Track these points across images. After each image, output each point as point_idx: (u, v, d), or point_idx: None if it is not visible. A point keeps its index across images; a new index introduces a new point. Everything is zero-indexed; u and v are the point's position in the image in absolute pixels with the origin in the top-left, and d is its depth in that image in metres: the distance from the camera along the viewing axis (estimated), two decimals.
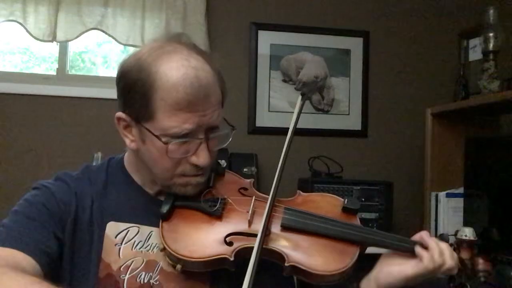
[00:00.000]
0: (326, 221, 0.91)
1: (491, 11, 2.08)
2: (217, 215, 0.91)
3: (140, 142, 0.91)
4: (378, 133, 2.70)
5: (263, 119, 2.57)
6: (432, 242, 0.90)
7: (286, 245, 0.88)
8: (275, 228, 0.89)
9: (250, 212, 0.90)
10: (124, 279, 0.88)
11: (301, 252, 0.87)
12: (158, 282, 0.89)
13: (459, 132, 2.29)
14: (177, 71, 0.85)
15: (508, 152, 1.93)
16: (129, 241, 0.92)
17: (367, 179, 2.35)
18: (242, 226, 0.90)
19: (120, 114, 0.92)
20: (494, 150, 2.03)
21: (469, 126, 2.30)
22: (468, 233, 2.01)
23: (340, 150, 2.60)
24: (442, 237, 0.95)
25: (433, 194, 2.24)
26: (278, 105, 2.59)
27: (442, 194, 2.19)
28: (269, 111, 2.58)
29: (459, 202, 2.11)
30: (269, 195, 0.90)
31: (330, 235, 0.89)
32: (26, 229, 0.85)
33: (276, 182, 0.90)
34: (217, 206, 0.91)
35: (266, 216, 0.85)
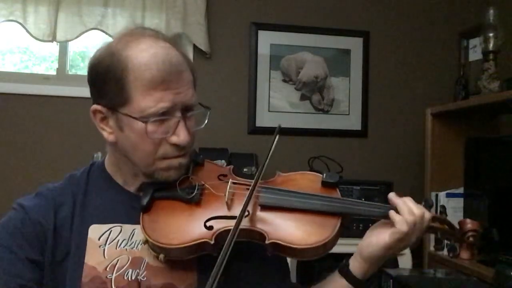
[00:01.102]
0: (304, 196, 0.91)
1: (491, 11, 2.08)
2: (195, 202, 0.92)
3: (118, 131, 0.92)
4: (378, 133, 2.70)
5: (263, 119, 2.57)
6: (399, 201, 0.90)
7: (265, 223, 0.88)
8: (255, 209, 0.90)
9: (227, 195, 0.91)
10: (111, 278, 0.89)
11: (281, 229, 0.87)
12: (145, 278, 0.89)
13: (459, 132, 2.29)
14: (147, 52, 0.88)
15: (508, 152, 1.93)
16: (112, 240, 0.92)
17: (367, 179, 2.35)
18: (221, 210, 0.90)
19: (95, 106, 0.93)
20: (494, 150, 2.03)
21: (469, 126, 2.30)
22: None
23: (340, 150, 2.61)
24: (426, 201, 0.95)
25: (433, 194, 2.24)
26: (278, 105, 2.59)
27: (442, 194, 2.19)
28: (269, 111, 2.58)
29: (459, 202, 2.11)
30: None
31: (309, 210, 0.89)
32: None
33: (261, 166, 0.91)
34: (194, 193, 0.92)
35: (248, 196, 0.85)
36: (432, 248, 2.26)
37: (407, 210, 0.88)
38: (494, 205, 1.93)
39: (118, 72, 0.87)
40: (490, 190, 1.99)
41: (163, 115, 0.88)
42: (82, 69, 2.67)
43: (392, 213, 0.89)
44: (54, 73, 2.53)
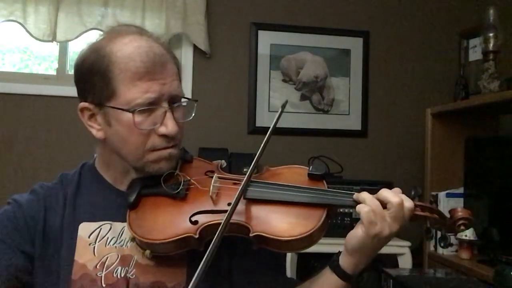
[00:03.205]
0: (288, 189, 0.91)
1: (491, 11, 2.08)
2: (181, 197, 0.92)
3: (107, 127, 0.92)
4: (378, 133, 2.70)
5: (263, 119, 2.57)
6: (363, 193, 0.88)
7: (250, 217, 0.88)
8: (240, 203, 0.88)
9: (211, 189, 0.91)
10: (101, 276, 0.89)
11: (266, 221, 0.87)
12: (134, 276, 0.90)
13: (459, 132, 2.29)
14: (130, 45, 0.90)
15: (508, 152, 1.93)
16: (102, 238, 0.93)
17: (367, 179, 2.35)
18: (207, 205, 0.91)
19: (82, 104, 0.94)
20: (494, 150, 2.03)
21: (469, 126, 2.30)
22: (468, 233, 2.01)
23: (340, 150, 2.61)
24: (416, 191, 0.93)
25: (433, 194, 2.24)
26: (278, 105, 2.59)
27: (442, 194, 2.19)
28: (269, 111, 2.58)
29: (459, 202, 2.11)
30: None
31: (293, 202, 0.89)
32: None
33: (254, 162, 0.90)
34: (180, 188, 0.92)
35: (240, 189, 0.85)
36: (432, 248, 2.27)
37: (368, 198, 0.86)
38: (494, 205, 1.93)
39: (103, 66, 0.89)
40: (490, 190, 1.99)
41: (150, 105, 0.89)
42: None
43: (358, 206, 0.87)
44: (54, 73, 2.53)
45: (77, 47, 2.62)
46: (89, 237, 0.92)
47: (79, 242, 0.92)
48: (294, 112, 2.61)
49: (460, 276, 1.85)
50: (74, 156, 2.35)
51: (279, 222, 0.87)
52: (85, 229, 0.93)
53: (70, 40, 2.42)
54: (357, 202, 0.88)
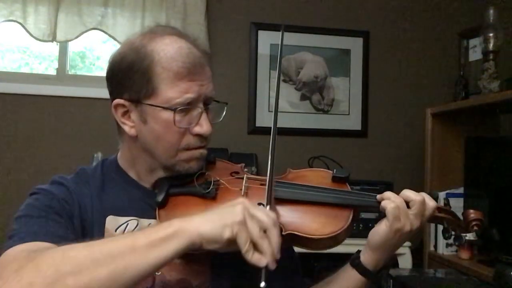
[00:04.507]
0: (317, 190, 0.95)
1: (491, 11, 2.08)
2: (211, 197, 0.93)
3: (141, 124, 0.93)
4: (378, 133, 2.70)
5: (263, 119, 2.57)
6: (387, 192, 0.94)
7: (281, 216, 0.90)
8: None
9: (243, 189, 0.94)
10: None
11: (297, 220, 0.91)
12: (160, 273, 0.90)
13: (459, 132, 2.29)
14: (172, 46, 0.92)
15: (508, 152, 1.93)
16: None
17: (367, 179, 2.35)
18: None
19: (117, 100, 0.94)
20: (494, 150, 2.03)
21: (469, 126, 2.30)
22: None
23: (340, 150, 2.61)
24: (431, 195, 0.98)
25: (443, 200, 2.23)
26: (279, 105, 2.59)
27: (442, 194, 2.19)
28: (269, 111, 2.58)
29: (459, 202, 2.11)
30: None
31: (322, 202, 0.93)
32: (40, 226, 0.84)
33: (271, 158, 0.92)
34: (210, 188, 0.93)
35: (268, 185, 0.87)
36: (432, 248, 2.27)
37: (393, 196, 0.92)
38: (494, 205, 1.93)
39: (145, 65, 0.90)
40: (490, 190, 1.99)
41: (189, 105, 0.91)
42: (82, 69, 2.67)
43: (383, 201, 0.93)
44: (54, 73, 2.53)
45: (77, 47, 2.62)
46: (115, 231, 0.92)
47: (106, 235, 0.91)
48: (294, 112, 2.61)
49: (460, 276, 1.85)
50: (74, 156, 2.35)
51: (310, 222, 0.91)
52: (112, 222, 0.93)
53: (70, 40, 2.42)
54: (381, 202, 0.93)
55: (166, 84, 0.90)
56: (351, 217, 0.92)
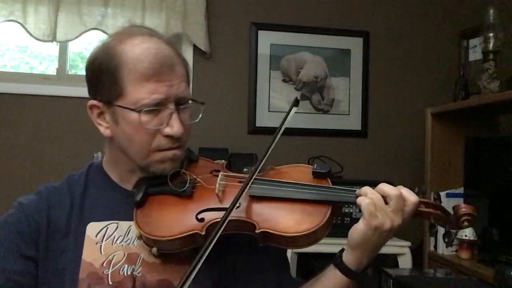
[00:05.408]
0: (294, 186, 0.91)
1: (491, 11, 2.08)
2: (187, 195, 0.93)
3: (114, 125, 0.94)
4: (378, 133, 2.70)
5: (263, 119, 2.57)
6: (365, 187, 0.88)
7: (255, 214, 0.89)
8: (245, 200, 0.90)
9: (217, 187, 0.92)
10: (108, 273, 0.90)
11: (271, 218, 0.88)
12: (141, 274, 0.90)
13: (459, 132, 2.29)
14: (140, 46, 0.91)
15: (508, 152, 1.93)
16: (109, 237, 0.93)
17: (367, 179, 2.35)
18: (213, 202, 0.91)
19: (91, 101, 0.96)
20: (494, 150, 2.03)
21: (469, 126, 2.30)
22: (468, 233, 2.01)
23: (340, 150, 2.61)
24: (420, 188, 0.94)
25: (433, 194, 2.23)
26: (278, 105, 2.59)
27: (442, 194, 2.18)
28: (269, 111, 2.58)
29: (459, 202, 2.10)
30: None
31: (298, 199, 0.89)
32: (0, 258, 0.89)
33: (261, 158, 0.91)
34: (186, 186, 0.93)
35: (243, 185, 0.86)
36: (432, 248, 2.27)
37: (370, 192, 0.87)
38: (494, 205, 1.93)
39: (112, 66, 0.90)
40: (490, 190, 1.99)
41: (157, 106, 0.90)
42: (82, 69, 2.66)
43: (358, 198, 0.87)
44: (54, 73, 2.54)
45: (77, 47, 2.62)
46: (96, 236, 0.93)
47: (86, 242, 0.92)
48: (294, 112, 2.60)
49: (460, 276, 1.85)
50: (74, 156, 2.36)
51: (284, 219, 0.88)
52: (92, 228, 0.94)
53: (70, 40, 2.42)
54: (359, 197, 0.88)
55: (133, 85, 0.90)
56: (328, 213, 0.87)
